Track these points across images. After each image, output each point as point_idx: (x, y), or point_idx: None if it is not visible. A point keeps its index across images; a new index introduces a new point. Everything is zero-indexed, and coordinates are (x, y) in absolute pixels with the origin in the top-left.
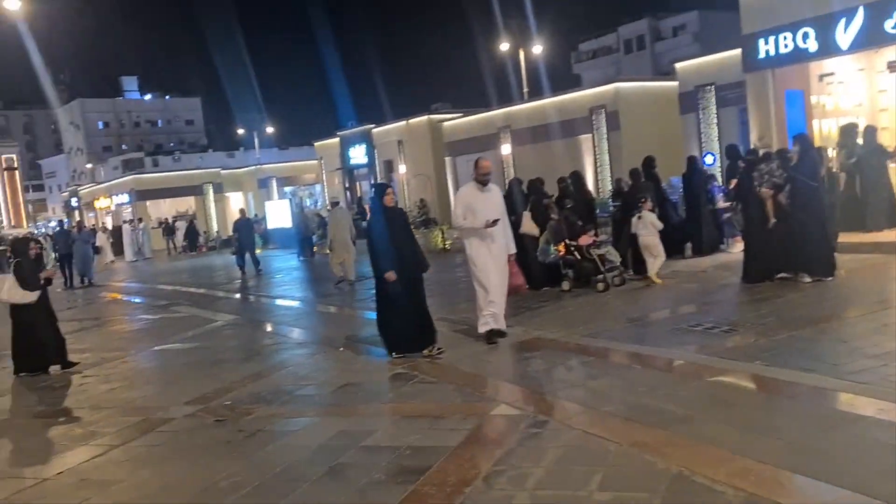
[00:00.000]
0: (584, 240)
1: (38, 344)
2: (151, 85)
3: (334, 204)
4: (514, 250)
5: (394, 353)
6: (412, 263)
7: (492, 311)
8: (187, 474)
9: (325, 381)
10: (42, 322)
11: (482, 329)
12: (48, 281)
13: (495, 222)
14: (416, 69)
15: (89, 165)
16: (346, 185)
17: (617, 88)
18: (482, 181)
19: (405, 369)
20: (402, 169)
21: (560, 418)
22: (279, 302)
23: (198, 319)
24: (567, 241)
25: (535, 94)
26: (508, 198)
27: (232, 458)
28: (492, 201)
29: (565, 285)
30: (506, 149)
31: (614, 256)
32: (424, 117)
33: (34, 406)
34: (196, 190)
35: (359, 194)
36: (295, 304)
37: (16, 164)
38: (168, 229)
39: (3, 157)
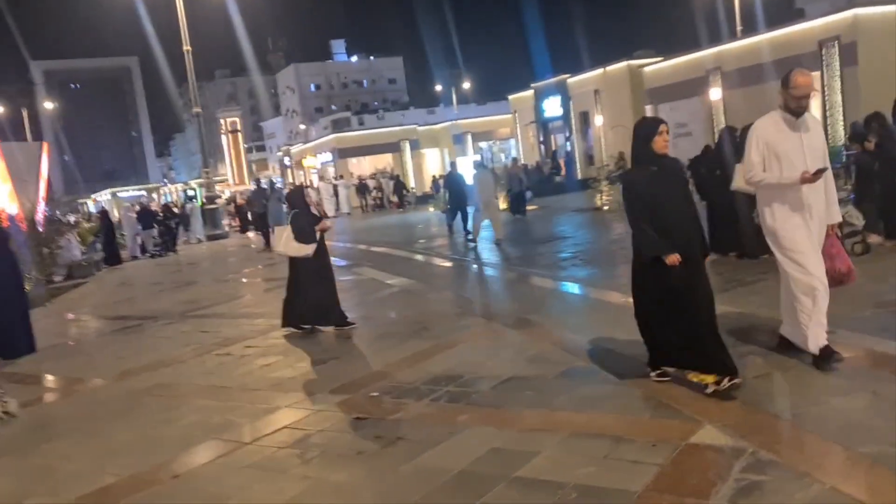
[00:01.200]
0: None
1: (307, 301)
2: (358, 47)
3: (453, 165)
4: (838, 218)
5: (653, 372)
6: (692, 241)
7: (821, 316)
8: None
9: (490, 372)
10: (315, 279)
11: (814, 344)
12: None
13: (819, 174)
14: (615, 13)
15: (302, 126)
16: (541, 138)
17: (855, 15)
18: (796, 109)
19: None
20: (598, 120)
21: (794, 459)
22: (464, 265)
23: (375, 284)
24: None
25: (750, 31)
26: (719, 149)
27: (353, 480)
28: (811, 143)
29: None
30: (715, 93)
31: (855, 218)
32: (623, 63)
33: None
34: (393, 147)
35: (554, 147)
36: (484, 268)
37: (239, 127)
38: (362, 187)
39: (229, 120)
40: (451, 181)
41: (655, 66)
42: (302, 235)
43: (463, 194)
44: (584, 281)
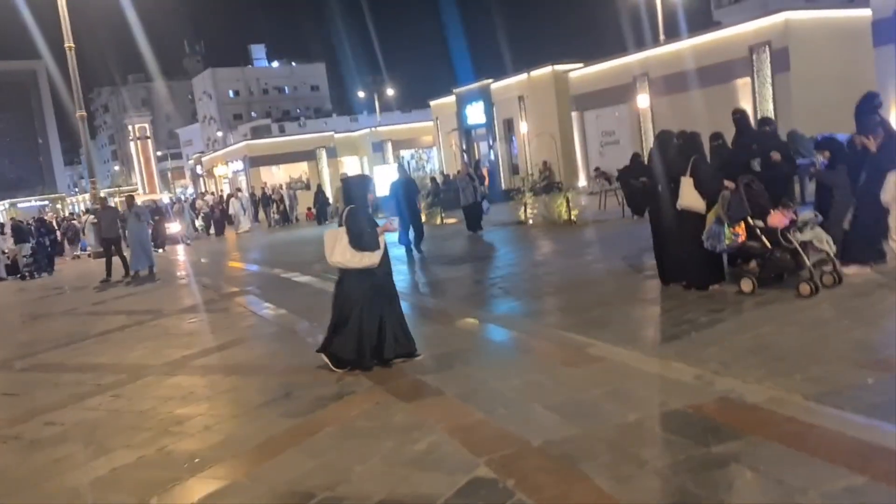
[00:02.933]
0: (778, 219)
1: (352, 332)
2: (279, 52)
3: (402, 168)
4: None
5: None
6: None
7: None
8: None
9: (354, 491)
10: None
11: None
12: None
13: None
14: (537, 19)
15: (219, 133)
16: (464, 146)
17: (787, 20)
18: None
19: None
20: (523, 128)
21: None
22: None
23: (245, 317)
24: (750, 220)
25: (678, 36)
26: (654, 160)
27: None
28: None
29: (745, 285)
30: (643, 100)
31: (825, 244)
32: (548, 68)
33: None
34: (309, 155)
35: (476, 157)
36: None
37: (149, 134)
38: (264, 199)
39: (137, 126)
40: (398, 188)
41: (581, 72)
42: (362, 240)
43: (413, 205)
44: (504, 320)
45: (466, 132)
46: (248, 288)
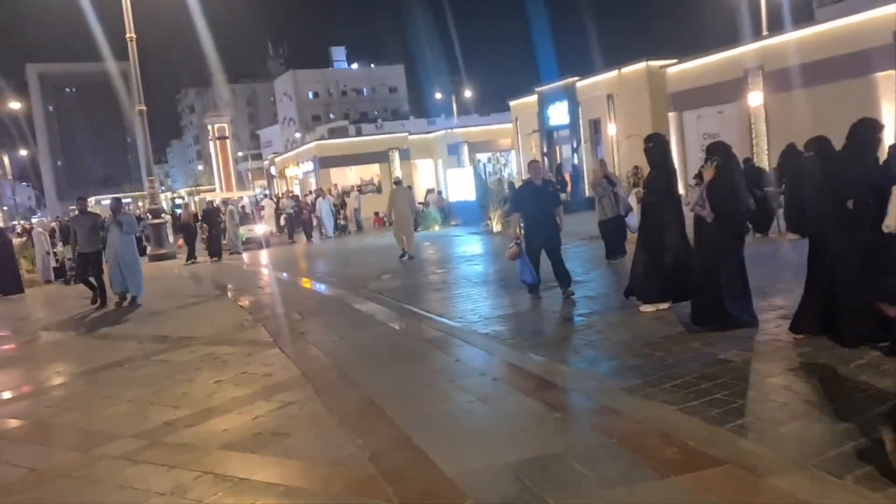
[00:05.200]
0: None
1: None
2: (359, 54)
3: (396, 183)
4: None
5: None
6: None
7: None
8: None
9: None
10: None
11: None
12: None
13: None
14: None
15: (298, 134)
16: (544, 149)
17: None
18: None
19: None
20: (611, 129)
21: None
22: (443, 331)
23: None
24: None
25: (801, 23)
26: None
27: None
28: None
29: None
30: (755, 98)
31: None
32: (641, 64)
33: None
34: (381, 157)
35: (558, 160)
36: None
37: (227, 134)
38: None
39: (217, 126)
40: (528, 195)
41: (680, 67)
42: None
43: (553, 227)
44: (611, 391)
45: (548, 134)
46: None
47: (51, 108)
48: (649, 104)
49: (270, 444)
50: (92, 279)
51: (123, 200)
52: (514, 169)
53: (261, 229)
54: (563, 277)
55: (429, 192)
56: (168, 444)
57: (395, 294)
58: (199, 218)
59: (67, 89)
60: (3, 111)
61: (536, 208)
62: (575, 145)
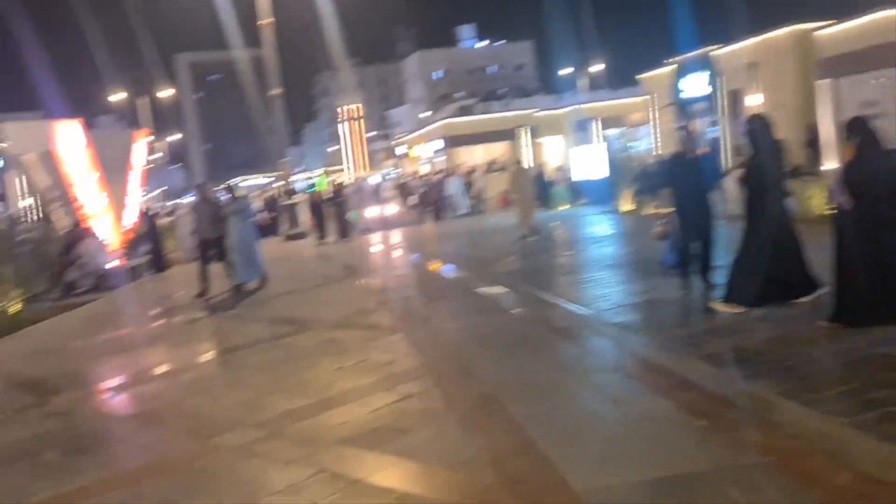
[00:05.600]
0: None
1: None
2: (486, 31)
3: (517, 163)
4: None
5: None
6: None
7: None
8: None
9: None
10: None
11: None
12: None
13: None
14: None
15: (425, 114)
16: (679, 123)
17: None
18: None
19: None
20: (754, 100)
21: None
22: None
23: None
24: None
25: None
26: None
27: None
28: None
29: None
30: None
31: None
32: (787, 28)
33: None
34: (508, 135)
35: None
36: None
37: (357, 115)
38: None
39: (347, 108)
40: (681, 169)
41: (833, 30)
42: None
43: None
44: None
45: (683, 107)
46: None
47: (199, 96)
48: (796, 72)
49: (388, 441)
50: (206, 267)
51: (264, 182)
52: (647, 144)
53: (390, 209)
54: (710, 266)
55: (557, 170)
56: (285, 436)
57: (522, 277)
58: (328, 199)
59: (213, 76)
60: (158, 100)
61: (689, 184)
62: (714, 118)
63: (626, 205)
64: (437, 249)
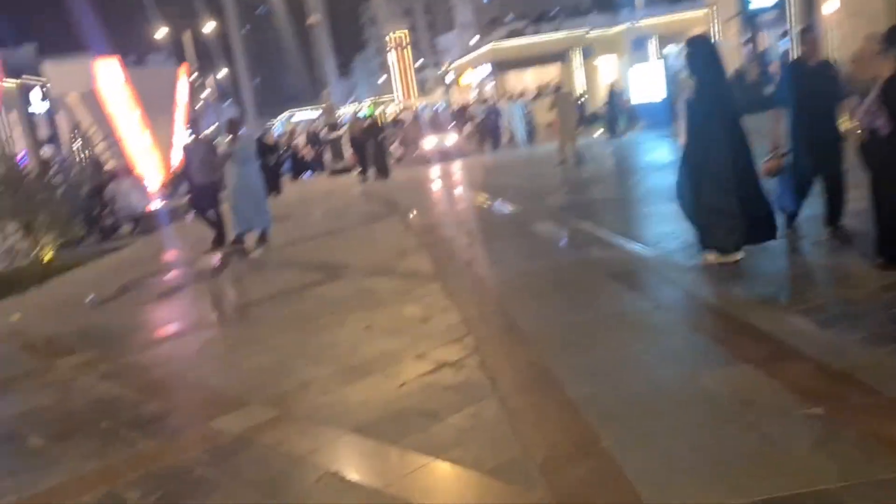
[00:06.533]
0: None
1: None
2: None
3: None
4: None
5: None
6: None
7: None
8: None
9: None
10: None
11: None
12: None
13: None
14: None
15: (475, 39)
16: (745, 37)
17: None
18: None
19: None
20: (829, 7)
21: None
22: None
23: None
24: None
25: None
26: None
27: None
28: None
29: None
30: None
31: None
32: None
33: None
34: (560, 57)
35: (761, 49)
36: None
37: (405, 43)
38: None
39: (395, 35)
40: (800, 81)
41: None
42: None
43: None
44: None
45: (749, 19)
46: None
47: (247, 28)
48: None
49: (413, 430)
50: (210, 216)
51: (314, 116)
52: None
53: (445, 140)
54: (837, 208)
55: (611, 91)
56: (295, 419)
57: (576, 212)
58: (368, 131)
59: (259, 9)
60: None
61: (811, 101)
62: (784, 30)
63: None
64: (488, 182)
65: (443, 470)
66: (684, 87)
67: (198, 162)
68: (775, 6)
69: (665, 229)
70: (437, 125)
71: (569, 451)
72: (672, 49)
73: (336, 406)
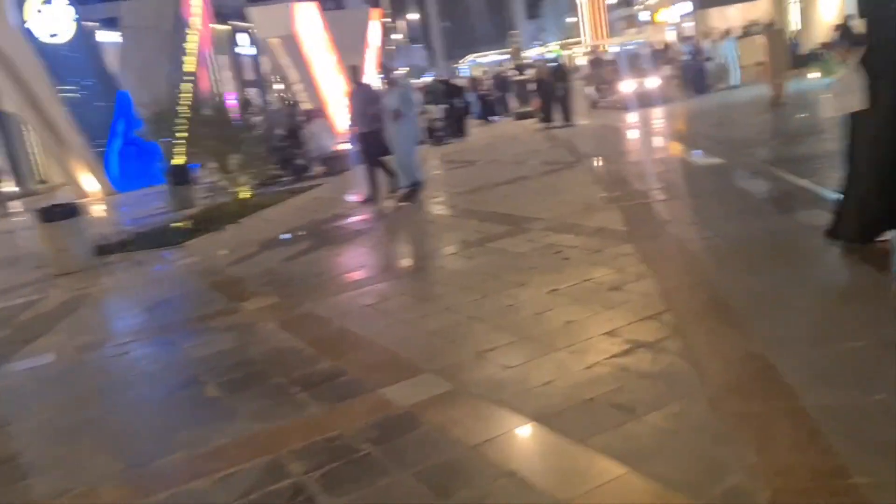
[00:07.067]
0: None
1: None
2: None
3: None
4: None
5: None
6: None
7: None
8: None
9: None
10: None
11: None
12: None
13: None
14: None
15: None
16: None
17: None
18: None
19: None
20: None
21: None
22: None
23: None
24: None
25: None
26: None
27: None
28: None
29: None
30: None
31: None
32: None
33: None
34: None
35: None
36: None
37: None
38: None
39: None
40: None
41: None
42: None
43: None
44: None
45: None
46: None
47: None
48: None
49: (604, 427)
50: (372, 168)
51: (500, 59)
52: None
53: (644, 83)
54: None
55: (837, 27)
56: (469, 396)
57: (793, 166)
58: (554, 75)
59: None
60: None
61: None
62: None
63: None
64: (692, 130)
65: (642, 488)
66: None
67: (359, 109)
68: None
69: None
70: (635, 67)
71: (807, 485)
72: None
73: (515, 385)
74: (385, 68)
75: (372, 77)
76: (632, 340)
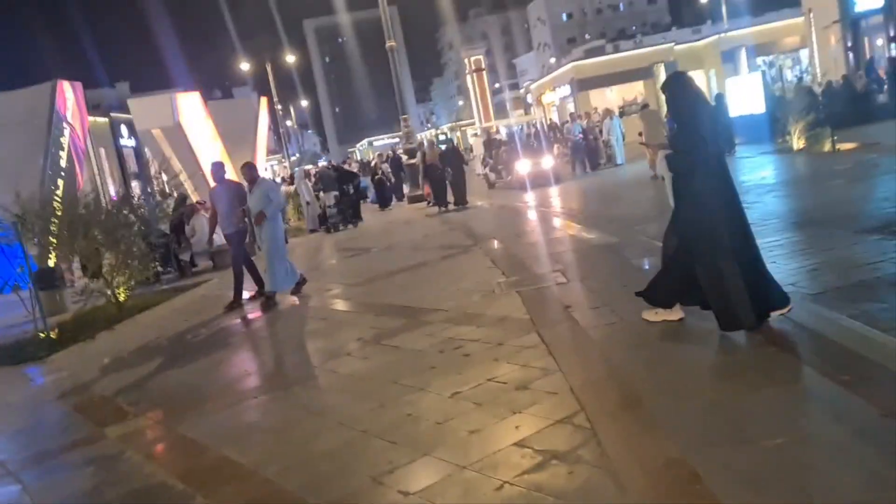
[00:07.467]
0: None
1: None
2: None
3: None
4: None
5: None
6: None
7: None
8: None
9: None
10: None
11: None
12: None
13: None
14: None
15: (552, 60)
16: (849, 43)
17: None
18: None
19: None
20: None
21: None
22: None
23: None
24: None
25: None
26: None
27: None
28: None
29: None
30: None
31: None
32: None
33: None
34: (645, 73)
35: (867, 55)
36: None
37: (483, 66)
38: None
39: (472, 59)
40: None
41: None
42: None
43: None
44: None
45: (853, 24)
46: None
47: (327, 60)
48: None
49: None
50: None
51: (392, 143)
52: (808, 70)
53: (539, 162)
54: None
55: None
56: None
57: None
58: (445, 158)
59: (339, 39)
60: (287, 66)
61: None
62: (893, 34)
63: (799, 141)
64: (586, 209)
65: None
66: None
67: (223, 208)
68: (882, 9)
69: (801, 263)
70: (528, 147)
71: None
72: (761, 60)
73: None
74: (248, 166)
75: (261, 163)
76: (544, 451)
